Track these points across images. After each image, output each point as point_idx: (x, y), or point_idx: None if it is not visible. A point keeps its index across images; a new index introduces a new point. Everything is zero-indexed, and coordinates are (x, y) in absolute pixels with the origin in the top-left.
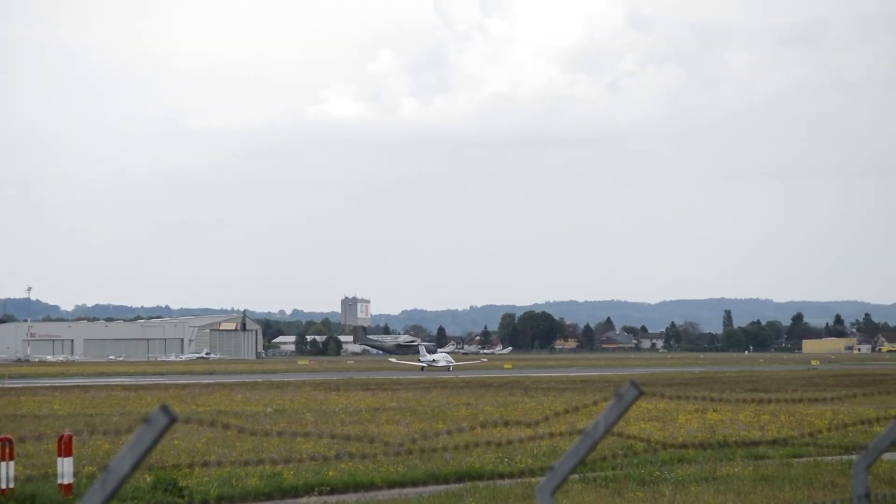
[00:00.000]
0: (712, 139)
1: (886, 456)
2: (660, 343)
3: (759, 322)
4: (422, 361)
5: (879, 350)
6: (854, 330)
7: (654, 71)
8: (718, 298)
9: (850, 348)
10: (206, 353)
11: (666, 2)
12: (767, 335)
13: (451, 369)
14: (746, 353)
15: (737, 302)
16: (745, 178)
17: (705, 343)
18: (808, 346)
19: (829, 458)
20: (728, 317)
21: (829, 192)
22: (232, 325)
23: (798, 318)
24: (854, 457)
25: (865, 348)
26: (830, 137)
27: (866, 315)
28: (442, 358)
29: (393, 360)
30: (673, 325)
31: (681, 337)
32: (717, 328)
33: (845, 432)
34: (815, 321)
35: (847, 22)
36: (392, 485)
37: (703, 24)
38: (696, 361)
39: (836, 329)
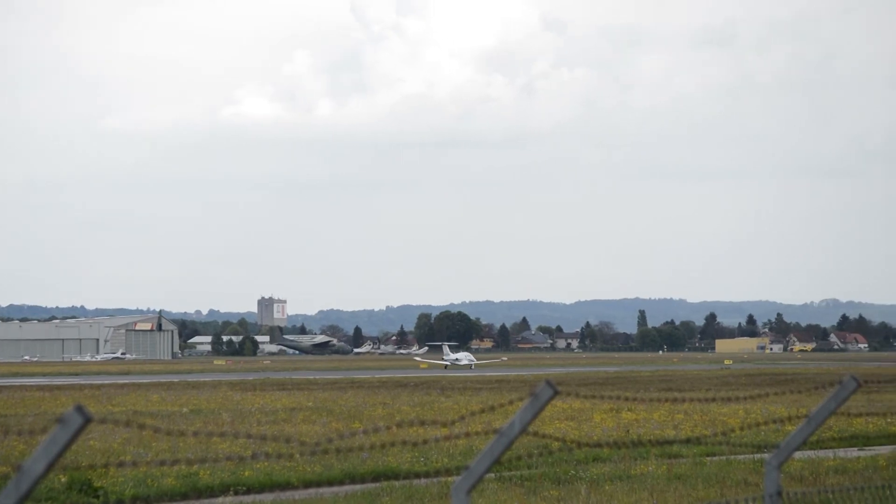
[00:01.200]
0: (627, 141)
1: (798, 454)
2: (575, 343)
3: (673, 322)
4: (445, 360)
5: (791, 350)
6: (766, 330)
7: (569, 73)
8: (633, 298)
9: (763, 348)
10: (122, 354)
11: (580, 4)
12: (681, 335)
13: (472, 367)
14: (660, 352)
15: (651, 302)
16: (659, 180)
17: (620, 343)
18: (722, 345)
19: (742, 456)
20: (642, 317)
21: (741, 193)
22: (148, 326)
23: (711, 318)
24: (766, 455)
25: (777, 348)
26: (742, 139)
27: (778, 315)
28: (465, 357)
29: (418, 359)
30: (588, 325)
31: (596, 337)
32: (632, 328)
33: (757, 431)
34: (728, 321)
35: (758, 25)
36: (308, 484)
37: (617, 27)
38: (610, 361)
39: (749, 329)
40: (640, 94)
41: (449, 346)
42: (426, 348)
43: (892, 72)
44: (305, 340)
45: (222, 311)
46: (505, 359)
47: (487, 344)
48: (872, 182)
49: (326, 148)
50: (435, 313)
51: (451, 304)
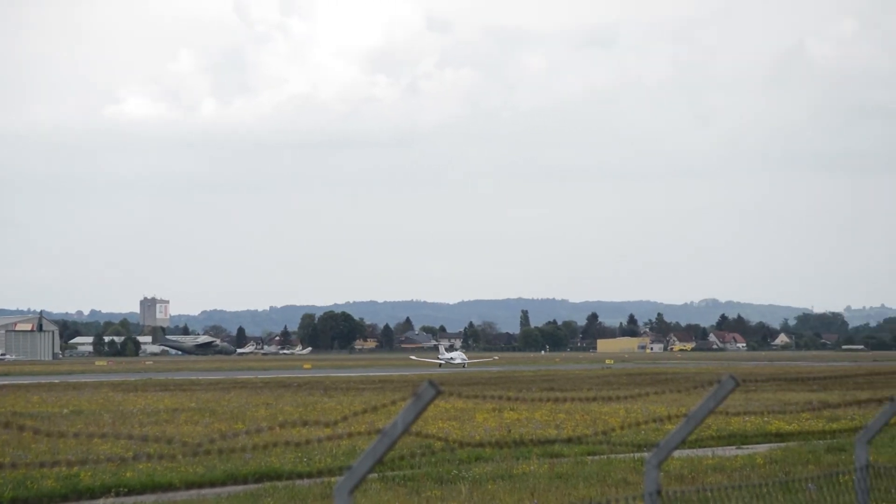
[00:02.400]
0: (510, 141)
1: (677, 453)
2: (458, 343)
3: (555, 322)
4: (440, 359)
5: (671, 349)
6: (647, 330)
7: (454, 73)
8: (516, 299)
9: (643, 347)
10: (2, 354)
11: (464, 4)
12: (563, 335)
13: (465, 366)
14: (543, 352)
15: (533, 302)
16: (542, 180)
17: (503, 343)
18: (603, 345)
19: (622, 455)
20: (525, 317)
21: (623, 194)
22: (28, 326)
23: (593, 318)
24: (646, 454)
25: (658, 347)
26: (624, 139)
27: (658, 315)
28: (458, 356)
29: (413, 357)
30: (471, 324)
31: (479, 336)
32: (515, 328)
33: (638, 430)
34: (609, 321)
35: (639, 26)
36: (190, 485)
37: (501, 27)
38: (493, 361)
39: (630, 329)
40: (524, 94)
41: (444, 346)
42: (310, 349)
43: (771, 73)
44: (188, 341)
45: (104, 311)
46: (496, 357)
47: (371, 344)
48: (750, 183)
49: (210, 148)
50: (319, 314)
51: (335, 305)
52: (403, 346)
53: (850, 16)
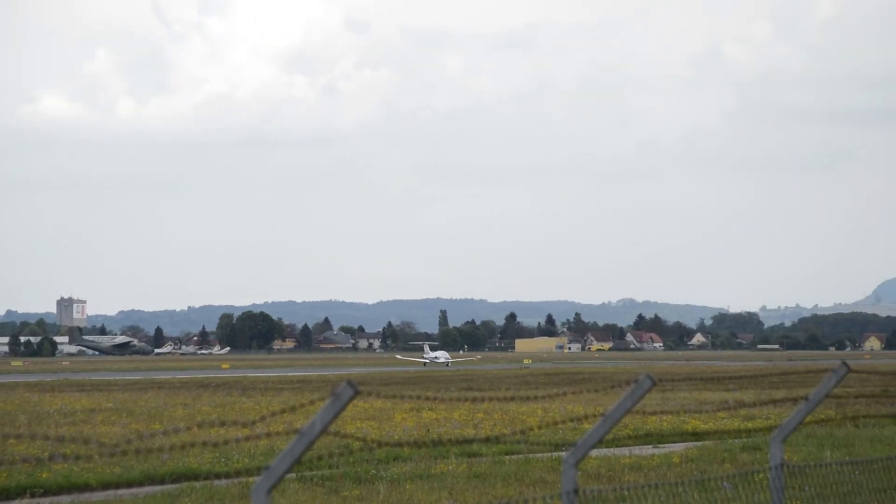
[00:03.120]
0: (428, 141)
1: (595, 452)
2: (377, 343)
3: (473, 322)
4: (425, 358)
5: (588, 349)
6: (565, 329)
7: (372, 73)
8: (434, 298)
9: (561, 347)
10: None
11: (382, 5)
12: (482, 334)
13: (448, 365)
14: (461, 352)
15: (452, 302)
16: (460, 180)
17: (421, 343)
18: (521, 345)
19: (540, 454)
20: (444, 316)
21: (541, 194)
22: None
23: (511, 318)
24: (564, 453)
25: (575, 347)
26: (542, 140)
27: (576, 315)
28: (442, 355)
29: (399, 357)
30: (390, 324)
31: (397, 337)
32: (433, 328)
33: (555, 429)
34: (527, 321)
35: (557, 28)
36: (107, 486)
37: (419, 28)
38: (475, 360)
39: (548, 329)
40: (441, 94)
41: (429, 345)
42: (228, 349)
43: (688, 75)
44: (105, 341)
45: (20, 311)
46: (478, 357)
47: (290, 344)
48: (667, 184)
49: (127, 147)
50: (237, 314)
51: (254, 305)
52: (322, 346)
53: (765, 18)
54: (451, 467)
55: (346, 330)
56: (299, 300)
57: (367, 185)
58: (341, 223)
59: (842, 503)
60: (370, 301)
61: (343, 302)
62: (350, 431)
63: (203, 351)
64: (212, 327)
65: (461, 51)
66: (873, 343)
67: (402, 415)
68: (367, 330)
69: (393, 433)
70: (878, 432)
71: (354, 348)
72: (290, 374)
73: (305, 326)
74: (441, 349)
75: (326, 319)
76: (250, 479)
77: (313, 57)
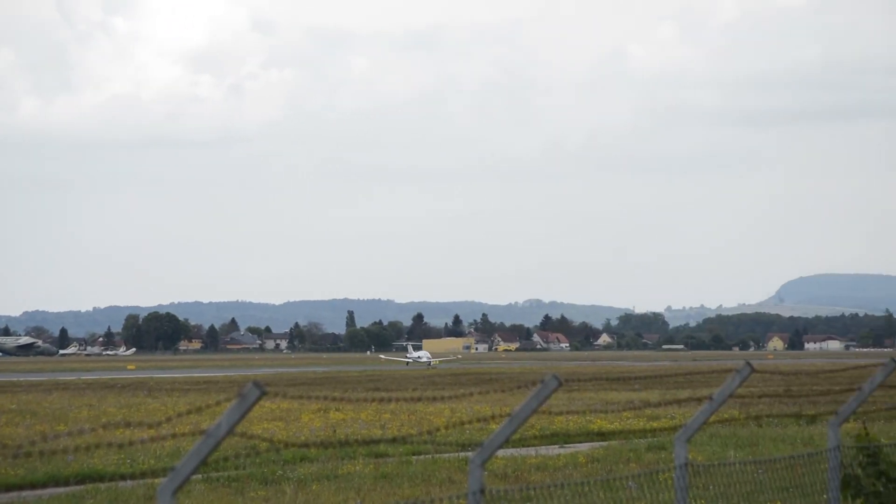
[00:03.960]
0: (334, 141)
1: (501, 452)
2: (284, 343)
3: (381, 322)
4: (408, 358)
5: (495, 349)
6: (472, 330)
7: (278, 73)
8: (342, 299)
9: (468, 348)
10: None
11: (288, 5)
12: (389, 335)
13: (431, 365)
14: (368, 352)
15: (359, 302)
16: (366, 180)
17: (329, 343)
18: (429, 345)
19: (447, 455)
20: (351, 317)
21: (448, 195)
22: None
23: (419, 319)
24: (470, 454)
25: (483, 348)
26: (447, 141)
27: (483, 315)
28: (424, 355)
29: (382, 357)
30: (297, 325)
31: (304, 337)
32: (341, 328)
33: (462, 430)
34: (435, 321)
35: (462, 29)
36: (10, 488)
37: (325, 29)
38: (319, 361)
39: (455, 329)
40: (347, 94)
41: (412, 345)
42: (134, 350)
43: (592, 76)
44: (9, 342)
45: None
46: (459, 356)
47: (196, 345)
48: (571, 184)
49: (31, 146)
50: (143, 314)
51: (160, 305)
52: (228, 347)
53: (669, 20)
54: (358, 468)
55: (253, 331)
56: (206, 301)
57: (274, 186)
58: (248, 224)
59: (745, 502)
60: (277, 302)
61: (250, 303)
62: (257, 432)
63: (109, 352)
64: (117, 328)
65: (366, 51)
66: (776, 343)
67: (310, 415)
68: (274, 330)
69: (300, 434)
70: (781, 432)
71: (261, 349)
72: (196, 374)
73: (212, 327)
74: (337, 351)
75: (233, 320)
76: (156, 481)
77: (219, 57)
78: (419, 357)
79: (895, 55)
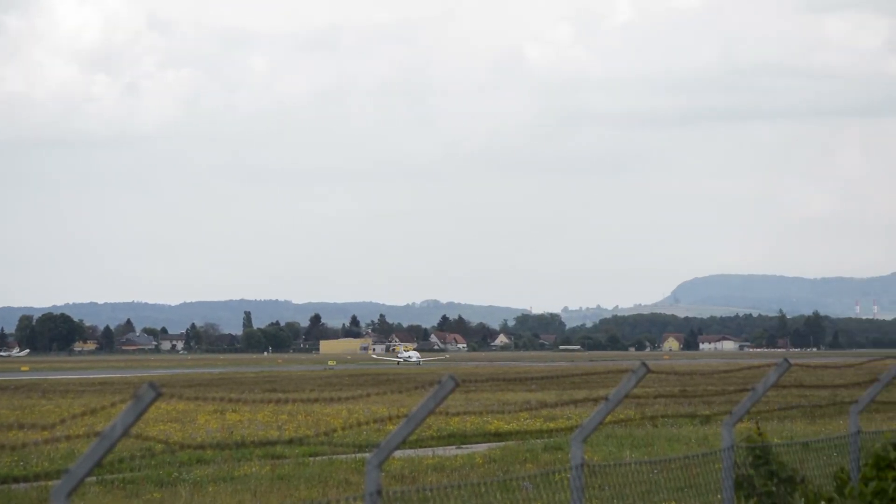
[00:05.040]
0: (233, 141)
1: (398, 453)
2: (180, 345)
3: (278, 323)
4: (399, 357)
5: (393, 350)
6: (369, 330)
7: (175, 73)
8: (238, 300)
9: (366, 348)
10: None
11: (186, 5)
12: (286, 336)
13: (420, 364)
14: (266, 353)
15: (256, 303)
16: (264, 181)
17: (225, 344)
18: (326, 346)
19: (344, 456)
20: (248, 318)
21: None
22: None
23: (316, 319)
24: (367, 455)
25: (380, 348)
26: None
27: (381, 316)
28: (414, 355)
29: (374, 356)
30: (193, 326)
31: (201, 338)
32: (238, 329)
33: (360, 431)
34: (332, 322)
35: (361, 29)
36: None
37: (223, 28)
38: (216, 362)
39: (353, 330)
40: (246, 95)
41: (403, 346)
42: (27, 351)
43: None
44: None
45: None
46: (447, 356)
47: (91, 346)
48: (471, 185)
49: None
50: (37, 315)
51: (54, 306)
52: (124, 347)
53: (566, 21)
54: (254, 469)
55: (149, 331)
56: (101, 301)
57: (171, 186)
58: (144, 224)
59: (640, 502)
60: (173, 302)
61: (146, 303)
62: (152, 434)
63: (2, 353)
64: (11, 329)
65: (265, 51)
66: (672, 343)
67: (206, 417)
68: (170, 331)
69: (196, 435)
70: (676, 432)
71: (157, 350)
72: (91, 376)
73: (107, 328)
74: (234, 352)
75: (129, 321)
76: (50, 483)
77: (115, 56)
78: (409, 357)
79: (786, 57)
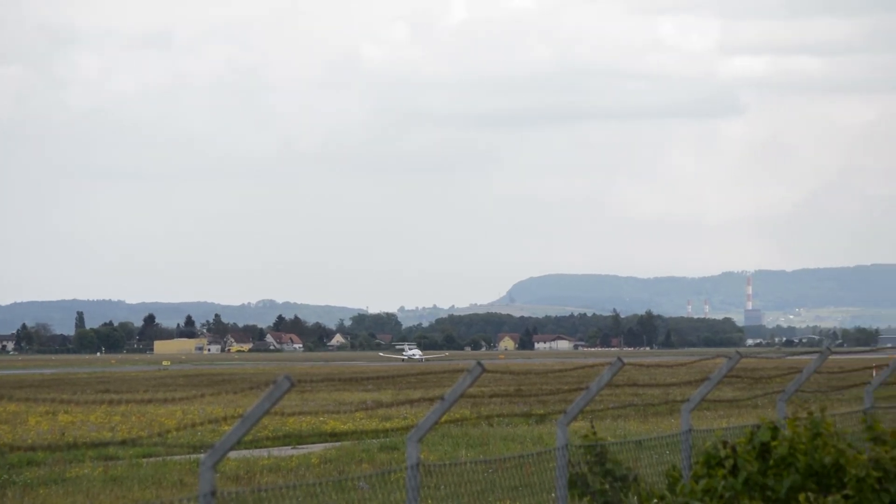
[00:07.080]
0: (63, 140)
1: (233, 454)
2: (11, 345)
3: (111, 323)
4: (404, 355)
5: (228, 350)
6: (205, 331)
7: (2, 70)
8: (70, 300)
9: (201, 349)
10: None
11: (14, 1)
12: (120, 336)
13: (423, 361)
14: (98, 354)
15: (89, 303)
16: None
17: (57, 345)
18: (160, 346)
19: (179, 457)
20: (80, 318)
21: (178, 194)
22: None
23: (150, 319)
24: (202, 456)
25: (215, 348)
26: (178, 140)
27: (216, 316)
28: (417, 353)
29: (381, 354)
30: (24, 326)
31: (32, 339)
32: (70, 330)
33: (194, 432)
34: (167, 322)
35: (193, 27)
36: None
37: (52, 26)
38: (47, 363)
39: (188, 330)
40: (76, 93)
41: (408, 345)
42: None
43: (324, 78)
44: None
45: None
46: (447, 354)
47: None
48: (307, 184)
49: None
50: None
51: None
52: None
53: (401, 20)
54: (86, 471)
55: None
56: None
57: None
58: None
59: (475, 501)
60: (3, 302)
61: None
62: None
63: None
64: None
65: (96, 49)
66: (507, 343)
67: (37, 418)
68: (0, 332)
69: (26, 437)
70: (512, 431)
71: None
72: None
73: None
74: (66, 352)
75: None
76: None
77: None
78: (413, 355)
79: (620, 58)
